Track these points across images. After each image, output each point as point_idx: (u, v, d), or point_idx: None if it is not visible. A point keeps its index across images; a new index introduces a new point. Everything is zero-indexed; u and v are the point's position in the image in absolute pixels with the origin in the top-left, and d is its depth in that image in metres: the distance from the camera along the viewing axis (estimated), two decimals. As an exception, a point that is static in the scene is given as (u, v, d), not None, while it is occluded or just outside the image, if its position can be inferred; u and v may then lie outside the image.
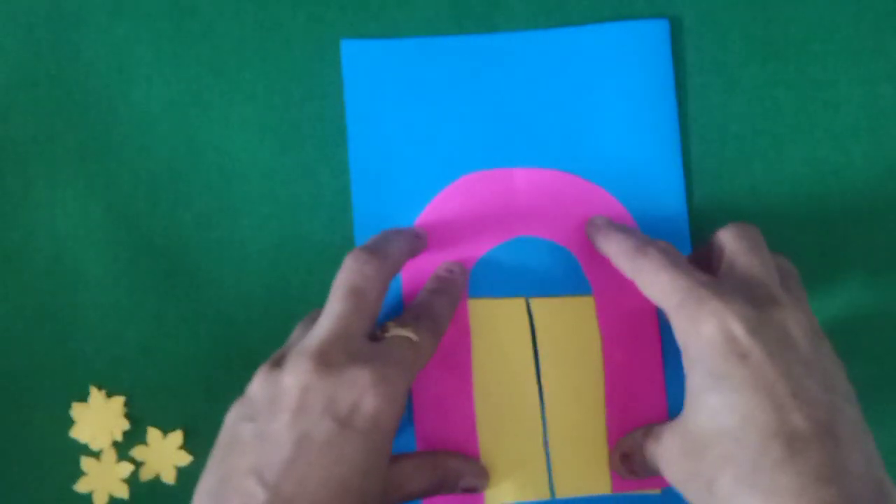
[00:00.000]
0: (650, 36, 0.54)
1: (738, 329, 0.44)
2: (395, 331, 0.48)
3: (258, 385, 0.46)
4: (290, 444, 0.44)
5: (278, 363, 0.47)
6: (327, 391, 0.45)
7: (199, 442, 0.54)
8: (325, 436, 0.44)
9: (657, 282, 0.47)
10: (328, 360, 0.45)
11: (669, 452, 0.47)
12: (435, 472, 0.50)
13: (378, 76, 0.54)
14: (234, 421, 0.46)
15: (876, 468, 0.43)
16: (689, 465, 0.45)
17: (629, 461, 0.51)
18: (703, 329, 0.45)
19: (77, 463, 0.54)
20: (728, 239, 0.49)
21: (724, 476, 0.44)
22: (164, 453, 0.54)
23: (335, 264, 0.54)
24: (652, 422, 0.52)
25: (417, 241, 0.52)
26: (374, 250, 0.49)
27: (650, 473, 0.50)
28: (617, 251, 0.50)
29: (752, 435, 0.43)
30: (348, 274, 0.48)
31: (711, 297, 0.45)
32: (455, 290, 0.53)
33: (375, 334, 0.48)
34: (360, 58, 0.54)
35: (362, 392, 0.45)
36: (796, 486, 0.42)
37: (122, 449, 0.54)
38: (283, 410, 0.45)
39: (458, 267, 0.53)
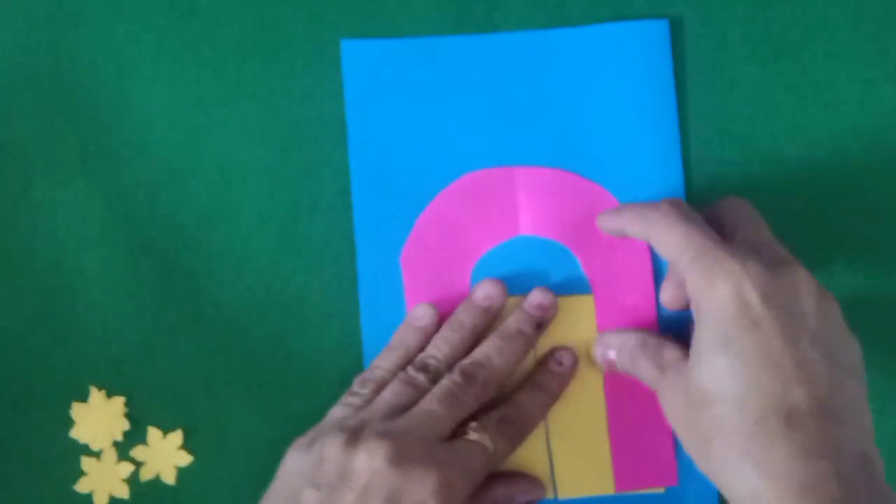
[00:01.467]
0: (650, 36, 0.54)
1: (752, 294, 0.45)
2: (474, 435, 0.49)
3: (333, 452, 0.47)
4: None
5: (357, 434, 0.47)
6: (394, 484, 0.46)
7: (199, 442, 0.54)
8: None
9: (671, 236, 0.47)
10: (405, 452, 0.46)
11: (672, 397, 0.48)
12: None
13: (378, 76, 0.54)
14: (299, 478, 0.47)
15: (867, 445, 0.44)
16: (689, 415, 0.46)
17: (611, 359, 0.52)
18: (718, 289, 0.45)
19: (77, 463, 0.54)
20: (727, 209, 0.50)
21: (721, 439, 0.45)
22: (164, 453, 0.54)
23: (335, 264, 0.54)
24: (653, 421, 0.52)
25: (537, 335, 0.53)
26: (480, 375, 0.50)
27: (630, 375, 0.51)
28: (629, 215, 0.50)
29: (753, 404, 0.44)
30: (454, 385, 0.49)
31: (727, 257, 0.46)
32: (559, 390, 0.53)
33: (455, 429, 0.49)
34: (360, 58, 0.54)
35: (425, 495, 0.46)
36: (788, 462, 0.43)
37: (123, 449, 0.54)
38: (349, 489, 0.46)
39: (574, 358, 0.53)
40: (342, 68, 0.54)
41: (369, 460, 0.46)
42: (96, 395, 0.54)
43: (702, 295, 0.46)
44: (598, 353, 0.53)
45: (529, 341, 0.52)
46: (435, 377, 0.50)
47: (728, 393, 0.45)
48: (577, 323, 0.53)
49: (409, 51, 0.54)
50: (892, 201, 0.54)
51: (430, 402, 0.49)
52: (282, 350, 0.54)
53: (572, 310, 0.53)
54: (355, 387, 0.51)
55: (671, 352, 0.49)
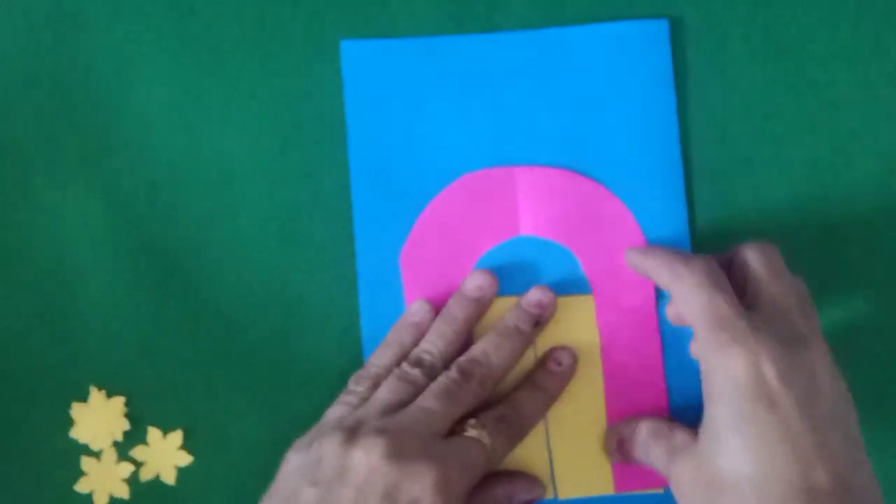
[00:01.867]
0: (650, 36, 0.54)
1: (770, 373, 0.44)
2: (472, 432, 0.49)
3: (331, 451, 0.47)
4: None
5: (354, 433, 0.47)
6: (391, 479, 0.46)
7: (199, 442, 0.54)
8: None
9: (694, 298, 0.47)
10: (402, 448, 0.46)
11: (683, 477, 0.47)
12: None
13: (378, 76, 0.54)
14: (298, 477, 0.47)
15: None
16: (703, 497, 0.45)
17: (624, 449, 0.52)
18: (735, 365, 0.45)
19: (77, 463, 0.54)
20: (753, 260, 0.48)
21: None
22: (164, 453, 0.54)
23: (335, 264, 0.54)
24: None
25: (536, 332, 0.53)
26: (477, 371, 0.50)
27: (644, 464, 0.51)
28: (656, 262, 0.49)
29: (774, 487, 0.43)
30: (451, 381, 0.49)
31: (747, 333, 0.45)
32: (558, 390, 0.52)
33: (453, 428, 0.49)
34: (359, 58, 0.54)
35: (423, 489, 0.46)
36: None
37: (123, 449, 0.54)
38: (347, 486, 0.46)
39: (573, 358, 0.53)
40: (342, 68, 0.54)
41: (366, 457, 0.46)
42: (96, 395, 0.54)
43: (716, 366, 0.45)
44: (610, 444, 0.52)
45: (527, 339, 0.52)
46: (430, 372, 0.50)
47: (745, 474, 0.44)
48: (577, 323, 0.53)
49: (409, 51, 0.54)
50: (893, 201, 0.54)
51: (427, 399, 0.49)
52: (282, 350, 0.54)
53: (572, 310, 0.53)
54: (351, 385, 0.51)
55: (681, 435, 0.49)
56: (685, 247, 0.53)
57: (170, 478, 0.54)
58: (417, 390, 0.50)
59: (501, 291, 0.53)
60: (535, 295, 0.53)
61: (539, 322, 0.52)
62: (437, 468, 0.46)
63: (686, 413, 0.52)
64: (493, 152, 0.54)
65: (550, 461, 0.53)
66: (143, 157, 0.54)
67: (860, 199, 0.54)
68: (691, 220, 0.54)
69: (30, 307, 0.54)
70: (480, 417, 0.50)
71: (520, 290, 0.53)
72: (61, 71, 0.55)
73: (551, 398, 0.52)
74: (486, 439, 0.49)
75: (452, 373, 0.50)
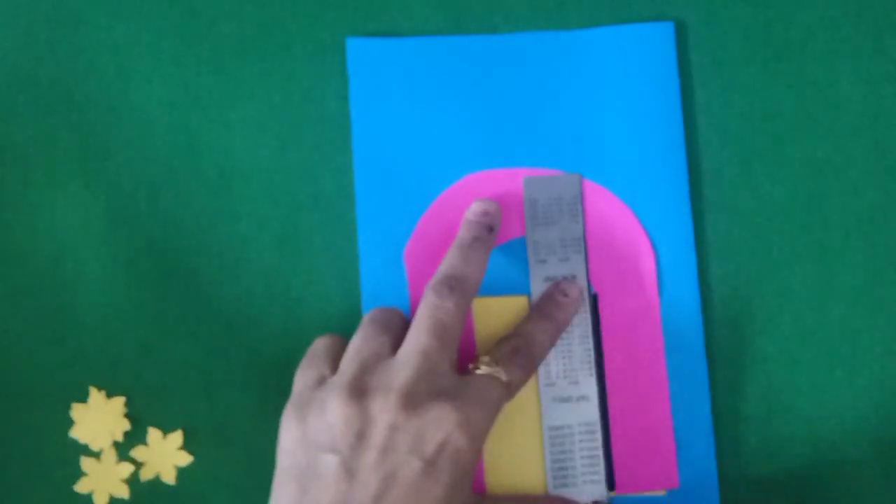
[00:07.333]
0: (656, 39, 0.54)
1: None
2: (486, 369, 0.48)
3: (340, 413, 0.46)
4: (377, 482, 0.45)
5: (363, 393, 0.46)
6: (414, 430, 0.45)
7: (200, 442, 0.54)
8: (412, 475, 0.45)
9: None
10: (416, 398, 0.46)
11: None
12: None
13: (383, 75, 0.54)
14: (310, 447, 0.46)
15: None
16: None
17: None
18: None
19: (77, 463, 0.54)
20: None
21: None
22: (164, 453, 0.54)
23: (336, 264, 0.54)
24: (654, 422, 0.52)
25: (493, 238, 0.51)
26: (454, 284, 0.49)
27: None
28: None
29: None
30: (431, 309, 0.48)
31: None
32: (565, 320, 0.52)
33: (467, 367, 0.49)
34: (365, 56, 0.54)
35: (448, 432, 0.45)
36: None
37: (123, 449, 0.54)
38: (370, 447, 0.45)
39: (577, 290, 0.52)
40: (348, 66, 0.54)
41: (383, 415, 0.45)
42: (96, 395, 0.54)
43: None
44: None
45: (488, 245, 0.51)
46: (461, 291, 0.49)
47: None
48: (579, 323, 0.54)
49: (415, 50, 0.54)
50: (892, 201, 0.54)
51: (418, 338, 0.48)
52: (282, 350, 0.54)
53: (574, 310, 0.53)
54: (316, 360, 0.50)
55: None
56: (689, 248, 0.53)
57: (170, 478, 0.54)
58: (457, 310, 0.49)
59: (504, 292, 0.53)
60: (477, 207, 0.52)
61: (492, 228, 0.51)
62: (455, 408, 0.46)
63: (688, 415, 0.52)
64: (498, 154, 0.54)
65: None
66: (143, 157, 0.54)
67: (860, 199, 0.54)
68: (695, 221, 0.54)
69: (30, 307, 0.54)
70: (493, 352, 0.49)
71: (523, 291, 0.53)
72: (61, 71, 0.55)
73: (560, 328, 0.52)
74: (501, 374, 0.48)
75: (430, 298, 0.49)
